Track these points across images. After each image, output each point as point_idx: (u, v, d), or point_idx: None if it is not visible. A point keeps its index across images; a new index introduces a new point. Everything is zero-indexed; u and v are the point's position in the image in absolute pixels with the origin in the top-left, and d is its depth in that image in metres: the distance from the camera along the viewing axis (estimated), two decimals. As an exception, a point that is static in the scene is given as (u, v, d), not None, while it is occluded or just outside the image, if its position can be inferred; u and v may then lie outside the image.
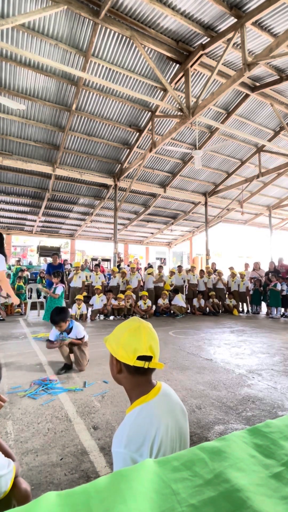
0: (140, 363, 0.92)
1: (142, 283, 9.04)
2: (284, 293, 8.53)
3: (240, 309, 9.49)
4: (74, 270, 8.23)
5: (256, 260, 10.20)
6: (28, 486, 1.11)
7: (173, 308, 8.36)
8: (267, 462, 0.58)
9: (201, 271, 9.71)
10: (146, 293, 8.26)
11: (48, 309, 5.31)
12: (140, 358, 0.93)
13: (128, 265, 10.28)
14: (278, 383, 3.07)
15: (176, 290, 8.70)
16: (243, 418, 2.31)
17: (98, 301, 7.69)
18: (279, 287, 8.30)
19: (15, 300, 3.34)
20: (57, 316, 3.38)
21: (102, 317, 7.77)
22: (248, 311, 9.48)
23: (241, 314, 9.18)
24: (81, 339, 3.48)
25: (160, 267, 9.64)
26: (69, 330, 3.47)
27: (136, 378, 0.96)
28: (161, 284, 9.10)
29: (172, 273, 9.62)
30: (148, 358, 0.94)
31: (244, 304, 9.59)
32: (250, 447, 0.62)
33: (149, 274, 9.14)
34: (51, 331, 3.59)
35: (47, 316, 4.91)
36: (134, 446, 0.83)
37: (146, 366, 0.93)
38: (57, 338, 3.47)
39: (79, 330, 3.50)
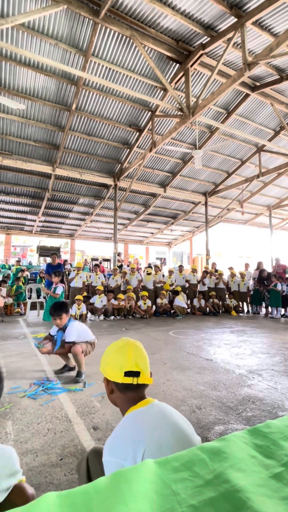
0: (128, 380, 0.93)
1: (141, 284, 9.04)
2: (285, 293, 8.53)
3: (241, 309, 9.45)
4: (75, 271, 8.23)
5: (259, 260, 10.18)
6: (33, 491, 1.09)
7: (175, 307, 8.35)
8: (267, 462, 0.57)
9: (204, 272, 9.72)
10: (146, 293, 8.25)
11: (48, 309, 5.27)
12: (128, 374, 0.93)
13: (128, 265, 10.28)
14: (278, 384, 3.06)
15: (176, 291, 8.69)
16: (243, 418, 2.30)
17: (98, 301, 7.68)
18: (279, 287, 8.29)
19: None
20: (53, 309, 3.19)
21: (102, 317, 7.76)
22: (248, 311, 9.47)
23: (240, 314, 9.16)
24: (69, 343, 3.15)
25: (156, 267, 9.61)
26: (64, 329, 3.23)
27: (127, 395, 0.97)
28: (160, 284, 9.10)
29: (171, 272, 9.61)
30: (136, 374, 0.94)
31: (245, 304, 9.58)
32: (250, 448, 0.61)
33: (148, 274, 9.14)
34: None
35: (47, 316, 4.88)
36: (117, 452, 0.82)
37: (134, 382, 0.94)
38: (49, 340, 3.34)
39: (70, 332, 3.16)
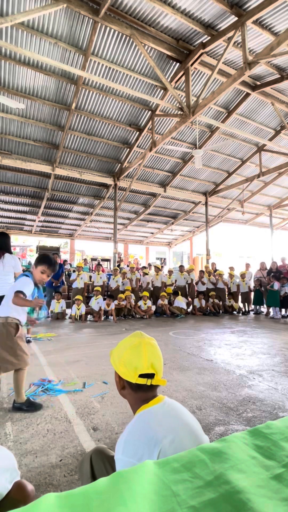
0: (142, 381, 0.92)
1: (140, 283, 9.03)
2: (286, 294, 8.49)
3: (243, 310, 9.40)
4: (76, 271, 8.20)
5: (261, 261, 10.16)
6: (33, 487, 1.09)
7: (174, 308, 8.33)
8: (267, 463, 0.57)
9: (201, 271, 9.69)
10: (147, 294, 8.23)
11: (28, 311, 4.78)
12: (143, 376, 0.92)
13: (128, 265, 10.27)
14: (279, 384, 3.04)
15: (176, 292, 8.66)
16: (244, 419, 2.28)
17: (94, 303, 7.65)
18: (275, 286, 8.26)
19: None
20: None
21: (102, 317, 7.74)
22: (248, 311, 9.44)
23: (238, 314, 9.11)
24: None
25: (156, 268, 9.58)
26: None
27: (140, 394, 0.96)
28: (159, 285, 9.09)
29: (171, 272, 9.59)
30: (150, 376, 0.93)
31: (246, 304, 9.55)
32: (251, 449, 0.61)
33: (145, 274, 9.13)
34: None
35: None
36: (131, 452, 0.81)
37: (148, 383, 0.92)
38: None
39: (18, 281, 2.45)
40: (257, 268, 10.04)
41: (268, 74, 7.27)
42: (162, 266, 10.90)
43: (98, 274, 8.60)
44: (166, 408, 0.93)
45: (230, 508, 0.45)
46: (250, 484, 0.50)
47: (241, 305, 9.45)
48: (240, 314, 9.08)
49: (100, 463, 1.03)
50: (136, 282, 8.93)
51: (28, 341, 4.76)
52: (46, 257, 2.48)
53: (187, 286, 9.46)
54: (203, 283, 9.36)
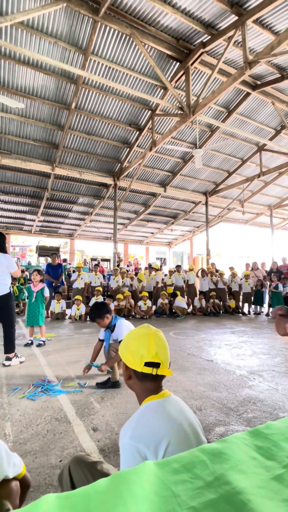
0: (147, 370, 0.93)
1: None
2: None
3: (246, 310, 9.37)
4: (76, 271, 8.19)
5: (255, 261, 10.15)
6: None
7: (174, 308, 8.32)
8: (268, 464, 0.57)
9: (202, 270, 9.66)
10: (147, 294, 8.22)
11: (29, 313, 4.66)
12: (148, 364, 0.94)
13: (128, 265, 10.25)
14: (279, 384, 3.03)
15: (175, 293, 8.64)
16: (244, 419, 2.27)
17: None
18: (280, 288, 8.23)
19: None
20: (92, 312, 3.00)
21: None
22: (249, 311, 9.42)
23: (239, 314, 9.10)
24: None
25: (153, 269, 9.54)
26: (112, 328, 2.98)
27: (146, 384, 0.97)
28: (158, 285, 9.07)
29: (171, 272, 9.57)
30: (156, 365, 0.94)
31: (247, 305, 9.52)
32: (251, 449, 0.61)
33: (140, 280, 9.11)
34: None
35: (29, 321, 4.57)
36: (140, 438, 0.83)
37: (154, 373, 0.94)
38: (105, 340, 3.04)
39: (120, 330, 2.92)
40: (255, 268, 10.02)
41: (269, 73, 7.26)
42: (161, 266, 10.87)
43: (96, 274, 8.58)
44: (173, 403, 0.95)
45: (230, 509, 0.45)
46: (251, 485, 0.50)
47: (242, 305, 9.43)
48: (241, 314, 9.06)
49: (79, 471, 1.04)
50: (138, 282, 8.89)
51: (30, 343, 4.74)
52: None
53: (184, 286, 9.44)
54: (203, 276, 9.29)
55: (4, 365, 3.53)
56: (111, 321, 2.99)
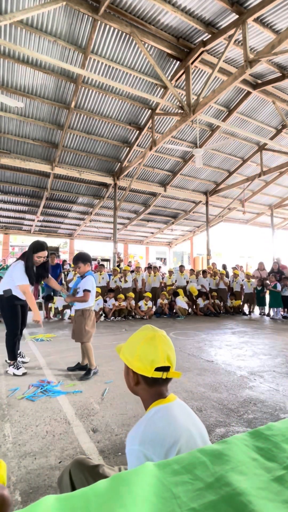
0: (158, 374, 0.90)
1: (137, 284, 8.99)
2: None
3: (247, 311, 9.35)
4: (73, 271, 8.15)
5: (260, 261, 10.11)
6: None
7: (179, 309, 8.29)
8: (269, 465, 0.57)
9: (204, 271, 9.65)
10: (150, 294, 8.19)
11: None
12: (159, 369, 0.91)
13: (128, 265, 10.23)
14: (280, 385, 3.01)
15: (176, 293, 8.62)
16: (245, 420, 2.26)
17: (95, 304, 7.59)
18: (278, 287, 8.22)
19: (36, 316, 3.20)
20: (79, 256, 3.37)
21: (102, 318, 7.71)
22: (249, 312, 9.40)
23: (244, 316, 9.07)
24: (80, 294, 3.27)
25: (155, 268, 9.53)
26: (84, 277, 3.37)
27: (154, 388, 0.95)
28: (157, 285, 9.05)
29: (171, 272, 9.55)
30: (166, 369, 0.92)
31: (248, 305, 9.49)
32: (252, 450, 0.61)
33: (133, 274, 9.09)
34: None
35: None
36: (150, 444, 0.81)
37: (164, 377, 0.91)
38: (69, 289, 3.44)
39: (85, 281, 3.29)
40: (259, 268, 9.98)
41: (269, 72, 7.23)
42: (160, 267, 10.85)
43: (101, 274, 8.49)
44: (180, 407, 0.93)
45: (231, 510, 0.45)
46: (251, 486, 0.50)
47: (243, 305, 9.40)
48: (241, 315, 9.04)
49: (80, 475, 1.02)
50: (142, 283, 8.85)
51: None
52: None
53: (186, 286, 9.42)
54: (204, 275, 9.26)
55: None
56: (86, 272, 3.37)
